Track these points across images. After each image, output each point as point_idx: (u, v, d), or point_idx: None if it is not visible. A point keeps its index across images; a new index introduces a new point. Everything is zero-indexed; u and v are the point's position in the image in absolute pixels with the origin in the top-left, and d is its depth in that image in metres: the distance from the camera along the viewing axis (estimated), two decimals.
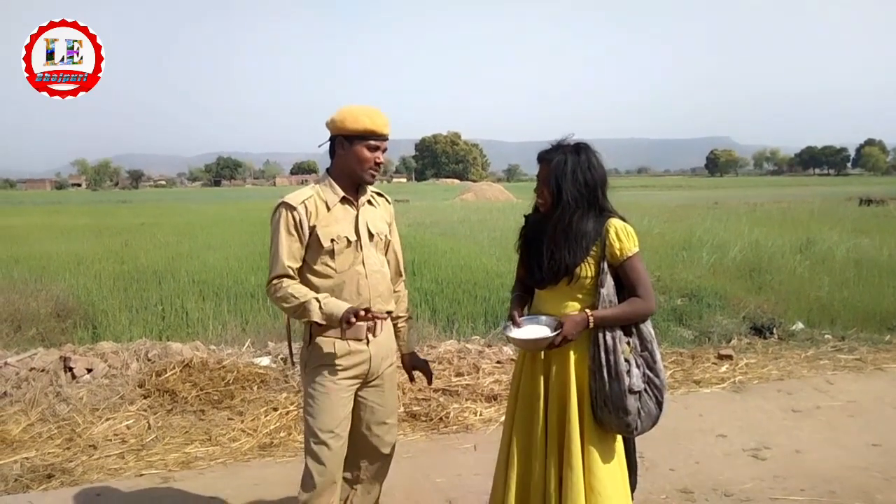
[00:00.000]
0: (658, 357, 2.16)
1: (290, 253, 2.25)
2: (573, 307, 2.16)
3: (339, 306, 2.18)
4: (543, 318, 2.17)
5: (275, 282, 2.25)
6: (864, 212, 19.85)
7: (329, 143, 2.32)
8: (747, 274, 8.50)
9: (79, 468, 3.52)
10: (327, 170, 2.37)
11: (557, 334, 2.09)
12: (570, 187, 2.11)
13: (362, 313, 2.14)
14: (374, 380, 2.39)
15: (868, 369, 5.11)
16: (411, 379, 2.59)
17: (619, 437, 2.20)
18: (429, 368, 2.63)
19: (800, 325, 6.26)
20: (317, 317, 2.18)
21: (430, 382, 2.67)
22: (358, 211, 2.33)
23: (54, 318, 6.53)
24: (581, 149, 2.15)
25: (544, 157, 2.17)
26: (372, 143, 2.25)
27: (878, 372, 5.05)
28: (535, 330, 2.15)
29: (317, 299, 2.19)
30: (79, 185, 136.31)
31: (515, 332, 2.17)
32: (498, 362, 5.01)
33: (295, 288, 2.23)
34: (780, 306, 6.83)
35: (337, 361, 2.28)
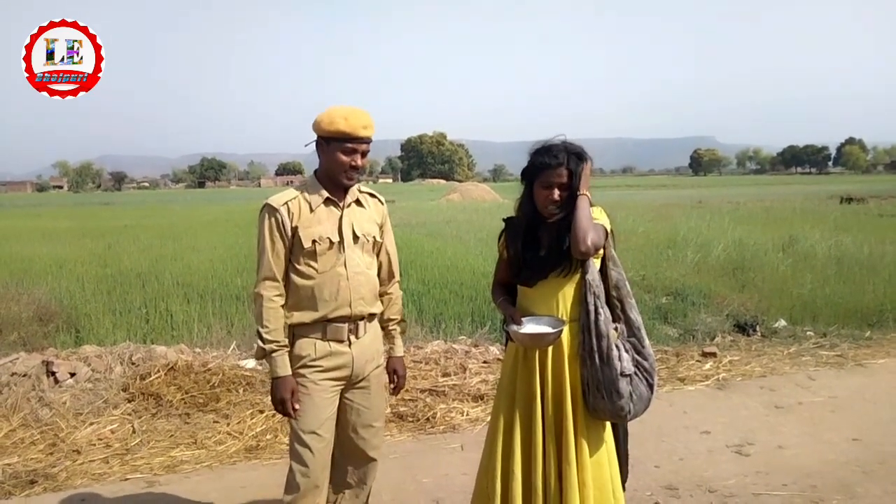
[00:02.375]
0: (646, 342, 2.21)
1: (275, 256, 2.25)
2: (563, 299, 2.20)
3: (282, 367, 2.24)
4: (545, 318, 2.20)
5: (262, 290, 2.25)
6: (845, 210, 20.09)
7: (315, 143, 2.31)
8: (731, 272, 8.57)
9: (62, 473, 3.48)
10: (315, 171, 2.37)
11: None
12: (585, 185, 2.16)
13: (280, 409, 2.27)
14: (359, 382, 2.39)
15: (849, 365, 5.18)
16: (390, 381, 2.57)
17: (609, 431, 2.23)
18: (402, 381, 2.58)
19: (782, 323, 6.34)
20: (258, 357, 2.32)
21: (394, 393, 2.63)
22: (342, 212, 2.32)
23: (36, 322, 6.44)
24: (585, 158, 2.18)
25: (559, 162, 2.15)
26: (347, 146, 2.22)
27: (859, 368, 5.13)
28: (541, 327, 2.17)
29: (276, 349, 2.24)
30: (60, 187, 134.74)
31: (525, 329, 2.18)
32: (485, 362, 5.03)
33: (275, 318, 2.25)
34: (763, 304, 6.91)
35: (317, 362, 2.29)
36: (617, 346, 2.13)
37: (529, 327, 2.18)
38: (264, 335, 2.23)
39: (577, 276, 2.18)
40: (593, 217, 2.14)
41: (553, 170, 2.14)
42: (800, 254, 9.73)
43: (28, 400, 4.13)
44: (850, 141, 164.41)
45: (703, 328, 6.16)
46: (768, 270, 8.49)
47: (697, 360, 5.30)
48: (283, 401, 2.24)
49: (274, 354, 2.24)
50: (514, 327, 2.19)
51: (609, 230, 2.21)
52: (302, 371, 2.28)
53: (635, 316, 2.20)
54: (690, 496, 3.17)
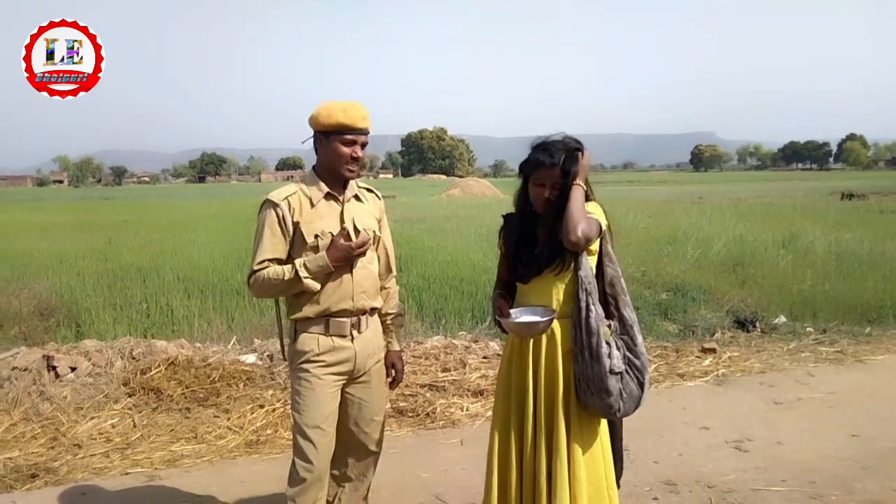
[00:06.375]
0: (639, 340, 2.20)
1: (271, 249, 2.26)
2: (558, 295, 2.19)
3: (321, 257, 2.22)
4: (537, 308, 2.20)
5: (255, 274, 2.26)
6: (845, 206, 20.06)
7: (312, 139, 2.33)
8: (731, 268, 8.57)
9: (63, 467, 3.50)
10: (313, 167, 2.38)
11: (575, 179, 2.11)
12: (582, 176, 2.14)
13: (342, 239, 2.24)
14: (360, 376, 2.40)
15: (848, 361, 5.19)
16: (387, 375, 2.58)
17: (605, 427, 2.24)
18: (400, 375, 2.61)
19: (782, 319, 6.34)
20: (303, 272, 2.21)
21: (391, 387, 2.64)
22: (343, 206, 2.34)
23: (37, 316, 6.45)
24: (582, 150, 2.18)
25: (552, 162, 2.14)
26: (347, 137, 2.24)
27: (858, 364, 5.13)
28: (532, 317, 2.17)
29: (300, 270, 2.21)
30: (61, 181, 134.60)
31: (514, 318, 2.18)
32: (484, 357, 5.04)
33: (275, 268, 2.25)
34: (763, 300, 6.91)
35: (321, 357, 2.30)
36: (608, 343, 2.12)
37: (520, 316, 2.19)
38: (286, 277, 2.22)
39: (572, 273, 2.18)
40: (588, 211, 2.14)
41: (547, 170, 2.15)
42: (800, 250, 9.72)
43: (29, 394, 4.14)
44: (851, 137, 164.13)
45: (702, 324, 6.17)
46: (768, 266, 8.49)
47: (697, 356, 5.30)
48: (347, 250, 2.24)
49: (304, 274, 2.22)
50: (504, 317, 2.20)
51: (606, 226, 2.21)
52: (305, 366, 2.30)
53: (629, 313, 2.20)
54: (689, 492, 3.18)
